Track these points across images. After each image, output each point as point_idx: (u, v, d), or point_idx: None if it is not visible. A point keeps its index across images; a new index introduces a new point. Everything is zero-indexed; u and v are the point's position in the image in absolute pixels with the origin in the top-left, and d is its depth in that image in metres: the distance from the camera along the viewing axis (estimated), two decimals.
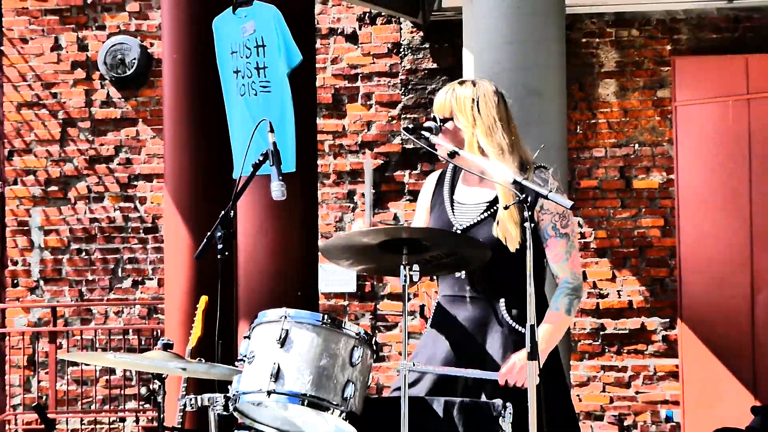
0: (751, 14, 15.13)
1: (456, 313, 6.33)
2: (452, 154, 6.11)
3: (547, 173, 6.20)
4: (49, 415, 12.70)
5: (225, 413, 6.15)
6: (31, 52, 15.90)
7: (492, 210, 6.21)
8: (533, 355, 5.63)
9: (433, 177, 6.61)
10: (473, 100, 6.18)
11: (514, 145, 6.17)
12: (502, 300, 6.13)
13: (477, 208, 6.27)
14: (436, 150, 6.31)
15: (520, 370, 5.90)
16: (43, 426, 10.70)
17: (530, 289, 5.60)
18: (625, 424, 15.06)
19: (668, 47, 15.14)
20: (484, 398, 6.11)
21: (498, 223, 6.12)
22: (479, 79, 6.58)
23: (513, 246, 6.06)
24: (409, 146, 14.95)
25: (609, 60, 15.10)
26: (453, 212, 6.33)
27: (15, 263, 15.87)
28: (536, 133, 10.24)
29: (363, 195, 15.64)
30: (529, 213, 5.72)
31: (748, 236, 14.85)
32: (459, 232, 6.26)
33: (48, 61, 15.87)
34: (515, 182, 5.83)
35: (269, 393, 5.79)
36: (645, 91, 15.16)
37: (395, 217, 15.28)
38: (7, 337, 15.83)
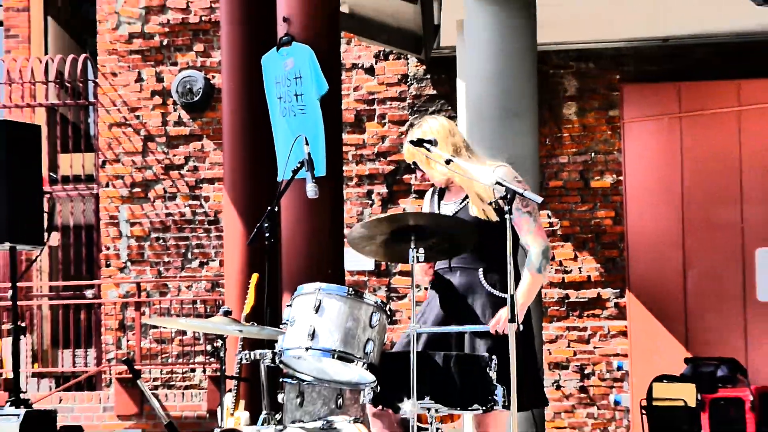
0: (681, 50, 15.06)
1: (445, 282, 6.46)
2: (448, 161, 6.16)
3: (506, 167, 6.38)
4: (135, 367, 12.87)
5: (272, 365, 6.32)
6: (119, 83, 16.00)
7: (461, 206, 6.41)
8: (512, 319, 5.73)
9: (429, 193, 6.72)
10: (445, 129, 6.42)
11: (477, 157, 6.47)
12: (481, 269, 6.29)
13: (453, 207, 6.38)
14: (432, 158, 6.34)
15: (504, 321, 5.98)
16: (131, 375, 11.28)
17: (510, 267, 5.78)
18: (585, 372, 15.16)
19: (617, 76, 15.23)
20: (476, 352, 6.22)
21: (474, 208, 6.31)
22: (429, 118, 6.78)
23: (492, 217, 6.25)
24: (417, 156, 15.51)
25: (571, 87, 15.26)
26: (439, 210, 6.49)
27: (108, 248, 15.98)
28: (514, 144, 10.52)
29: (378, 195, 15.90)
30: (509, 206, 5.85)
31: (680, 224, 14.89)
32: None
33: (132, 90, 15.98)
34: (498, 183, 5.95)
35: (307, 349, 6.00)
36: (599, 111, 15.30)
37: (404, 210, 15.14)
38: (102, 306, 15.95)
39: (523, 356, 6.05)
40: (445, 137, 6.38)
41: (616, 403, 15.15)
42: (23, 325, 14.48)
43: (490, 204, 6.25)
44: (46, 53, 18.10)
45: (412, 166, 6.51)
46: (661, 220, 15.04)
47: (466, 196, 6.44)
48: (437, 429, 6.09)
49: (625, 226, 15.09)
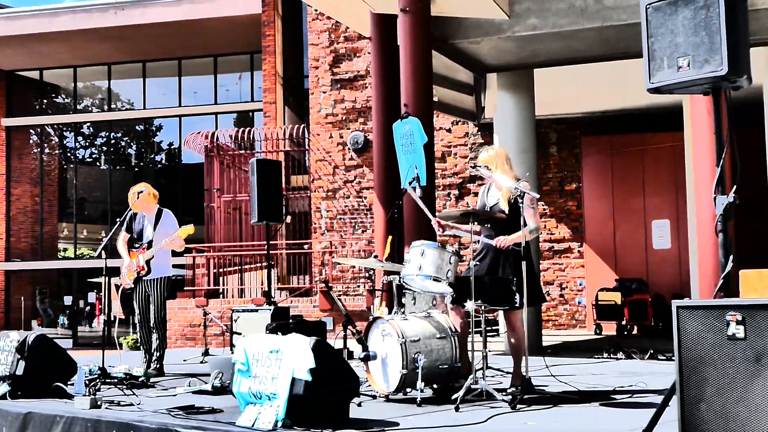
0: (611, 118, 15.34)
1: (488, 241, 6.26)
2: (489, 176, 6.24)
3: (524, 181, 6.19)
4: (329, 284, 12.83)
5: (399, 283, 6.48)
6: (321, 138, 16.64)
7: (496, 201, 6.26)
8: (527, 258, 5.81)
9: (484, 187, 6.53)
10: (501, 155, 6.31)
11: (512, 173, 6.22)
12: (501, 236, 6.13)
13: (494, 199, 6.27)
14: (482, 174, 6.31)
15: (501, 240, 6.02)
16: (327, 289, 12.15)
17: (524, 247, 5.82)
18: (563, 286, 15.54)
19: (578, 131, 15.66)
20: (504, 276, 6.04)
21: (502, 201, 6.16)
22: (495, 147, 6.63)
23: (506, 209, 6.13)
24: (472, 174, 14.95)
25: (553, 137, 15.69)
26: (487, 201, 6.36)
27: (315, 223, 16.34)
28: (525, 167, 10.76)
29: (449, 195, 16.09)
30: (522, 201, 5.94)
31: (611, 208, 15.43)
32: (488, 209, 6.28)
33: (327, 142, 16.53)
34: (515, 188, 5.98)
35: (417, 275, 6.07)
36: (569, 150, 15.68)
37: (467, 204, 15.40)
38: (312, 253, 16.26)
39: (528, 275, 5.88)
40: (496, 158, 6.30)
41: (579, 303, 15.52)
42: (273, 263, 15.74)
43: (510, 200, 6.07)
44: (284, 124, 18.86)
45: (478, 172, 6.32)
46: (602, 207, 15.46)
47: (500, 196, 6.27)
48: (485, 317, 6.00)
49: (583, 209, 15.49)
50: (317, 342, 4.92)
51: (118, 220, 8.35)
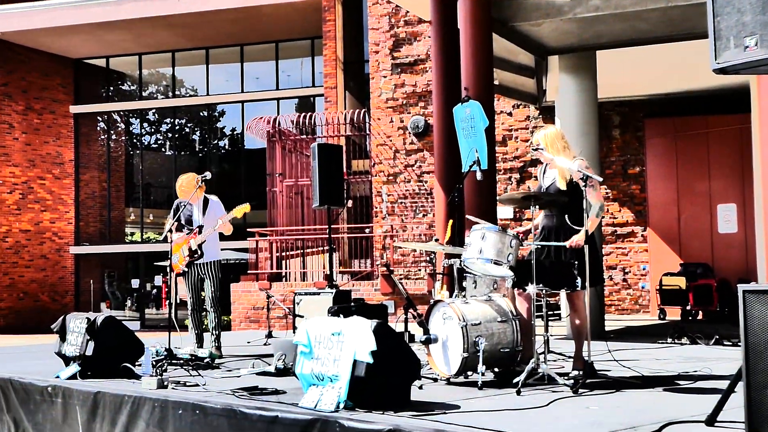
0: (676, 100, 15.20)
1: (545, 223, 6.34)
2: (551, 159, 6.21)
3: (582, 160, 6.14)
4: (390, 267, 12.98)
5: (460, 267, 6.51)
6: (381, 123, 16.71)
7: (552, 180, 6.28)
8: (587, 241, 5.84)
9: (541, 167, 6.53)
10: (555, 135, 6.30)
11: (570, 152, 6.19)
12: (566, 216, 6.19)
13: (550, 179, 6.29)
14: (541, 157, 6.31)
15: (575, 242, 5.98)
16: (388, 272, 11.88)
17: (585, 214, 5.83)
18: (626, 270, 15.44)
19: (641, 114, 15.54)
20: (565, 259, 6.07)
21: (559, 180, 6.15)
22: (549, 126, 6.59)
23: (564, 188, 6.11)
24: (533, 158, 14.78)
25: (616, 119, 15.62)
26: (543, 182, 6.41)
27: (376, 207, 16.48)
28: (586, 151, 10.60)
29: (509, 180, 16.18)
30: (584, 182, 5.84)
31: (676, 193, 15.18)
32: (544, 190, 6.29)
33: (388, 126, 16.60)
34: (577, 170, 5.93)
35: (477, 258, 6.10)
36: (632, 132, 15.62)
37: (528, 187, 15.46)
38: (374, 237, 16.36)
39: (590, 258, 5.91)
40: (548, 138, 6.31)
41: (642, 287, 15.44)
42: (334, 247, 15.33)
43: (572, 181, 6.05)
44: (345, 109, 18.98)
45: (538, 155, 6.30)
46: (666, 190, 15.41)
47: (555, 176, 6.27)
48: (547, 300, 6.03)
49: (647, 193, 15.35)
50: (378, 325, 4.94)
51: (182, 204, 8.57)
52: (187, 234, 8.56)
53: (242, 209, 8.26)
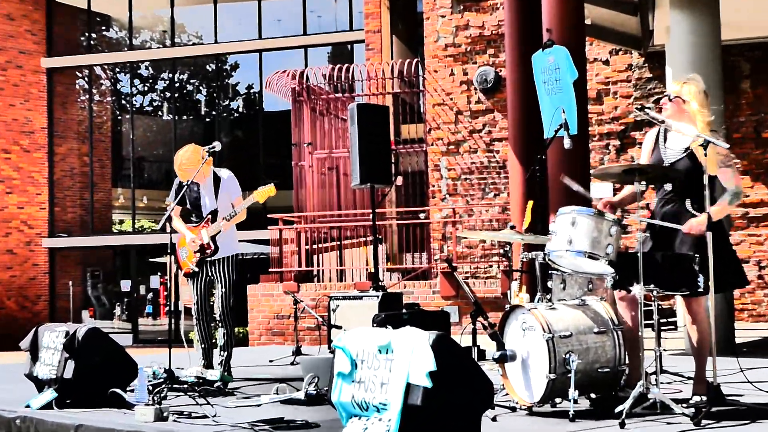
0: None
1: (662, 208, 6.36)
2: (661, 121, 6.26)
3: (718, 134, 6.23)
4: (453, 264, 13.85)
5: (543, 262, 6.69)
6: (439, 77, 16.85)
7: (685, 154, 6.25)
8: (709, 227, 5.83)
9: (652, 133, 6.55)
10: (699, 91, 6.32)
11: (706, 118, 6.22)
12: (688, 200, 6.24)
13: (677, 152, 6.30)
14: (652, 118, 6.30)
15: (694, 225, 6.02)
16: (450, 269, 12.19)
17: (707, 192, 5.83)
18: (761, 264, 15.53)
19: None
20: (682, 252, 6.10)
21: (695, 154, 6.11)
22: (696, 79, 6.53)
23: (713, 171, 6.07)
24: (638, 119, 15.29)
25: (745, 68, 15.64)
26: (665, 155, 6.38)
27: (433, 186, 16.75)
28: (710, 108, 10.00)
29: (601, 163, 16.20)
30: (705, 152, 5.83)
31: None
32: (666, 165, 6.28)
33: (447, 81, 16.81)
34: (697, 135, 5.97)
35: (566, 251, 6.23)
36: (766, 84, 15.49)
37: (632, 157, 15.49)
38: (431, 224, 16.54)
39: (721, 251, 5.99)
40: (704, 99, 6.36)
41: None
42: (380, 237, 15.90)
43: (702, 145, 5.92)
44: (391, 59, 19.01)
45: (647, 116, 6.31)
46: None
47: (688, 147, 6.26)
48: (658, 305, 6.05)
49: None
50: (439, 338, 4.95)
51: (185, 184, 8.49)
52: (195, 224, 8.60)
53: (265, 192, 8.35)
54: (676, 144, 6.39)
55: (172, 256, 8.13)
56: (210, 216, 8.54)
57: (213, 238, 8.49)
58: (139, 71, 26.69)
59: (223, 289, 8.50)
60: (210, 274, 8.61)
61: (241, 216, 8.53)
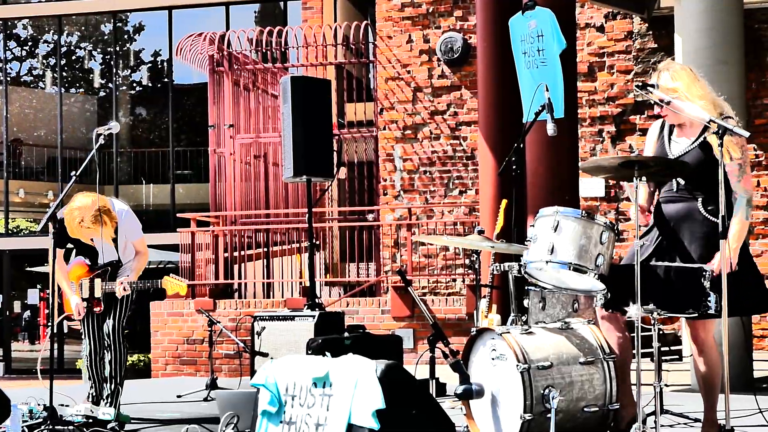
0: None
1: (667, 208, 6.46)
2: (668, 102, 6.29)
3: (733, 120, 6.17)
4: (407, 277, 13.70)
5: (519, 275, 6.63)
6: (393, 44, 16.99)
7: (695, 145, 6.35)
8: (725, 234, 5.88)
9: (657, 125, 6.64)
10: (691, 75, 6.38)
11: (709, 99, 6.30)
12: (700, 199, 6.31)
13: (683, 145, 6.39)
14: (657, 101, 6.38)
15: (718, 263, 5.97)
16: (404, 284, 10.66)
17: (722, 192, 5.91)
18: None
19: None
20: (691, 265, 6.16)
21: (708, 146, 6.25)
22: (674, 63, 6.71)
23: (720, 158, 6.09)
24: (639, 99, 15.43)
25: None
26: (670, 148, 6.48)
27: (385, 180, 17.00)
28: (724, 89, 8.91)
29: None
30: (720, 141, 5.95)
31: None
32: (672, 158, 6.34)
33: (404, 50, 16.96)
34: (710, 120, 6.05)
35: (547, 262, 6.29)
36: None
37: (630, 147, 15.46)
38: (381, 228, 16.79)
39: (739, 265, 6.11)
40: (691, 80, 6.41)
41: None
42: (317, 243, 15.86)
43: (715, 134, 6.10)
44: (335, 21, 19.20)
45: (649, 96, 6.45)
46: None
47: (698, 138, 6.38)
48: (659, 330, 6.12)
49: None
50: (389, 368, 5.04)
51: (73, 175, 8.11)
52: (89, 267, 8.68)
53: (175, 287, 8.54)
54: (685, 134, 6.50)
55: (53, 274, 8.09)
56: (106, 268, 8.66)
57: (107, 293, 8.59)
58: (14, 30, 26.55)
59: (117, 318, 8.64)
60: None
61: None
